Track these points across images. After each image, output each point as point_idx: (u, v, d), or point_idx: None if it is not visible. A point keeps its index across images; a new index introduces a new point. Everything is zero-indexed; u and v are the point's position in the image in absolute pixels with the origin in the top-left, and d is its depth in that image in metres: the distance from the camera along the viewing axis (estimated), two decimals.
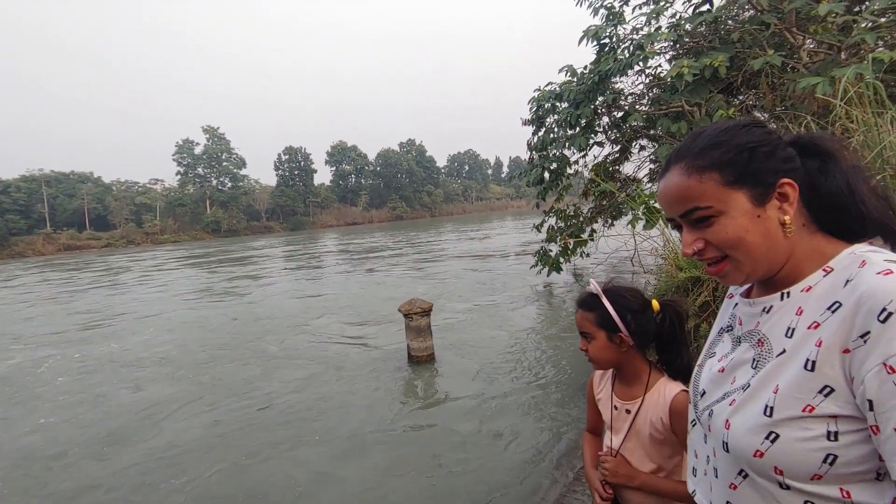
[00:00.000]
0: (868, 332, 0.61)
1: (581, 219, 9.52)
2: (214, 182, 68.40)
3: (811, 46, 5.48)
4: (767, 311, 0.78)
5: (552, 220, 9.95)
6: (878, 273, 0.63)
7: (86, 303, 14.17)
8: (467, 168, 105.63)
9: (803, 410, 0.66)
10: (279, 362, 6.92)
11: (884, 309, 0.59)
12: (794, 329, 0.72)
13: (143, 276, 20.73)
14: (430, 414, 4.90)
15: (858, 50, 4.69)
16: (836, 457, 0.64)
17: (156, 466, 4.17)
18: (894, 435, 0.59)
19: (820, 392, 0.65)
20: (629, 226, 6.46)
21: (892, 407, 0.59)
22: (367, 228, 58.32)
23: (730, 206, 0.72)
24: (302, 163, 76.39)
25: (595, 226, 9.46)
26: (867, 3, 5.27)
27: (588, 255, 9.47)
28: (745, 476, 0.74)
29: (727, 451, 0.75)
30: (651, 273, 5.43)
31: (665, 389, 1.34)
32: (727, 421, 0.75)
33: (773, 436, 0.68)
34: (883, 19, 4.75)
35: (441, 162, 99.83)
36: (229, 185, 68.78)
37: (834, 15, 4.79)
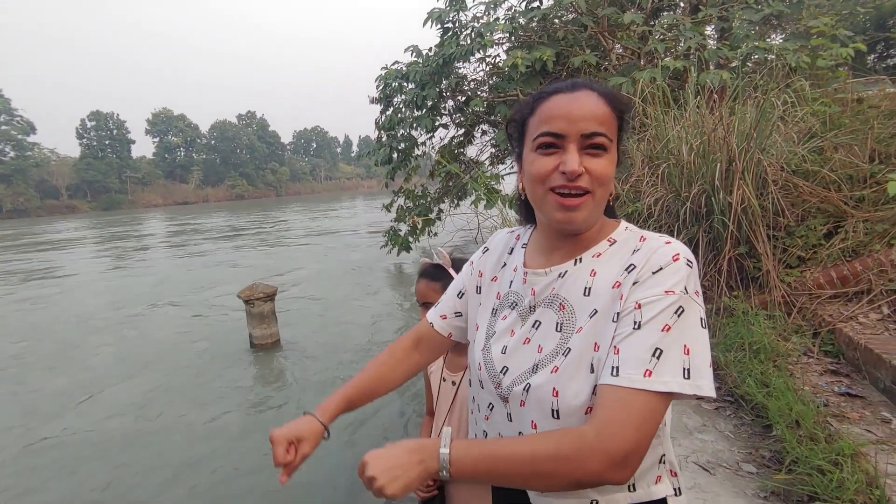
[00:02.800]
0: (639, 281, 0.75)
1: (429, 199, 9.78)
2: None
3: (619, 50, 6.33)
4: (562, 276, 0.84)
5: (401, 200, 10.06)
6: (665, 243, 0.78)
7: None
8: (315, 146, 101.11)
9: (607, 355, 0.74)
10: (100, 360, 5.92)
11: (660, 267, 0.74)
12: (590, 288, 0.80)
13: None
14: (269, 406, 4.66)
15: (653, 57, 5.54)
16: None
17: None
18: (611, 350, 0.72)
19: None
20: (473, 205, 6.84)
21: (619, 334, 0.73)
22: (202, 208, 52.46)
23: (612, 150, 0.79)
24: (115, 131, 65.36)
25: (442, 206, 9.81)
26: (659, 17, 6.25)
27: (436, 234, 9.79)
28: None
29: (557, 417, 0.76)
30: None
31: None
32: (554, 389, 0.76)
33: (595, 388, 0.73)
34: (669, 34, 5.67)
35: (286, 138, 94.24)
36: (12, 154, 55.95)
37: (635, 24, 5.58)
